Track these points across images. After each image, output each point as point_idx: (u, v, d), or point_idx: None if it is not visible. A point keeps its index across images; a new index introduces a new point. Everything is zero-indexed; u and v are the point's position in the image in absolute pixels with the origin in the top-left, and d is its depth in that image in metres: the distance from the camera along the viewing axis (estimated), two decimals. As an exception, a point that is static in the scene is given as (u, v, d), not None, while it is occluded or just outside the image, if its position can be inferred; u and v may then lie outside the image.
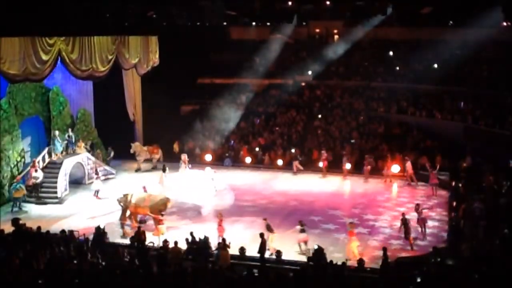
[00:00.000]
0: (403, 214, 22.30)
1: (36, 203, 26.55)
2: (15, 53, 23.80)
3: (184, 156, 31.02)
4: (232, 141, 36.06)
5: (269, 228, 20.98)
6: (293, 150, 33.72)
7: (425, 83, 38.75)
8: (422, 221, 22.52)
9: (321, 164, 32.22)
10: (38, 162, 27.33)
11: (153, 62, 33.74)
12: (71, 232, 19.97)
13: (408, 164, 30.24)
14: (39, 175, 26.85)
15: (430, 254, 19.17)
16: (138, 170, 32.77)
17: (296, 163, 32.38)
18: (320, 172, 32.10)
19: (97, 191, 27.91)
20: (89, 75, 28.71)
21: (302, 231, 21.05)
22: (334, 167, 32.36)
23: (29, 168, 27.09)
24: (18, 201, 26.04)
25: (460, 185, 26.89)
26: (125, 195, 23.58)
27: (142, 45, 32.51)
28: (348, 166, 31.76)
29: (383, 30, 42.72)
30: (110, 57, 29.61)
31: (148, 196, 23.85)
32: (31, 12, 21.87)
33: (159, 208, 22.93)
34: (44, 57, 25.26)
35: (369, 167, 31.27)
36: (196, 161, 33.58)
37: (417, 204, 23.45)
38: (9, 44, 23.52)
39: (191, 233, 20.06)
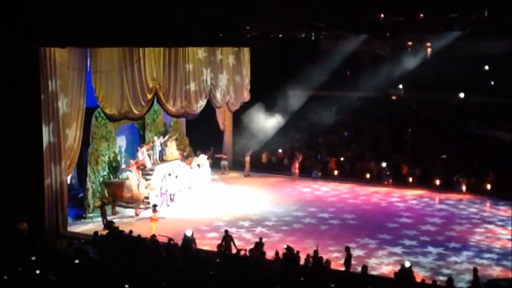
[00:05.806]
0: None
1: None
2: (116, 99, 25.44)
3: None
4: (319, 156, 36.07)
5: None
6: (383, 165, 33.40)
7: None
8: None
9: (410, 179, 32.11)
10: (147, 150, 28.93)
11: (243, 99, 34.99)
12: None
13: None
14: (139, 156, 28.29)
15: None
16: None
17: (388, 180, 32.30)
18: (408, 187, 31.79)
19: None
20: (183, 113, 30.28)
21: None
22: (423, 183, 31.92)
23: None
24: None
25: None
26: None
27: (234, 84, 33.79)
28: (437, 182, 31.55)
29: (479, 43, 41.47)
30: (203, 98, 31.12)
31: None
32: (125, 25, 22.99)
33: None
34: (143, 103, 26.86)
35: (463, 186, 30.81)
36: (284, 171, 34.14)
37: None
38: (110, 94, 25.09)
39: (288, 247, 19.74)
